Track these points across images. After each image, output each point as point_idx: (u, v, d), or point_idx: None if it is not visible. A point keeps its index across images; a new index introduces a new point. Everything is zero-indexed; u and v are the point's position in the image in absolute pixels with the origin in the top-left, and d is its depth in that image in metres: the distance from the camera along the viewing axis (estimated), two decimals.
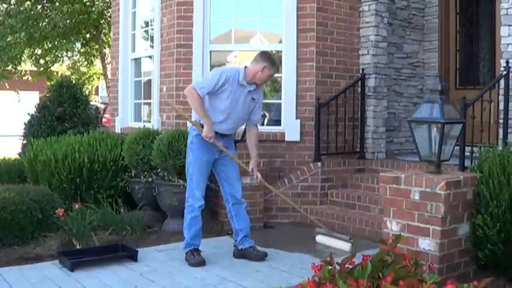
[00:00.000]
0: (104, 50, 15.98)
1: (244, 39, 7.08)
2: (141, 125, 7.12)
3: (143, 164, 5.90)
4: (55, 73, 17.18)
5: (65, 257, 4.45)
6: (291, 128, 6.49)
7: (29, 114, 7.66)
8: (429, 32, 7.49)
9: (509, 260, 3.85)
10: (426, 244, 3.82)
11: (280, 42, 6.69)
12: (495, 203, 3.81)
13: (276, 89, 7.12)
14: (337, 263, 3.06)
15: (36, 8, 13.88)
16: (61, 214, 4.98)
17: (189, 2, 6.65)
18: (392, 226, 4.02)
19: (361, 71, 6.77)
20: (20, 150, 7.74)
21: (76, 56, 17.95)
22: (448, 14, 7.35)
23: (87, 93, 11.93)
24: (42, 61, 15.93)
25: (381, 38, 6.77)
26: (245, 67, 4.66)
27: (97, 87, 23.96)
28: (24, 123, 7.64)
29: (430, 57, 7.50)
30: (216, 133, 4.54)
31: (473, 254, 4.00)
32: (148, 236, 5.41)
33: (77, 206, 5.20)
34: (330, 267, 3.02)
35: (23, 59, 15.49)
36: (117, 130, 7.89)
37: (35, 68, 17.13)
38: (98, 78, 20.08)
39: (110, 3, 9.71)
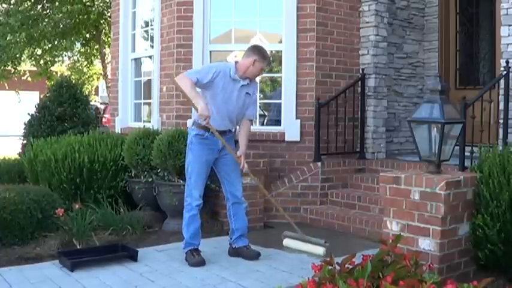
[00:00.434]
0: (104, 50, 15.98)
1: (244, 39, 7.07)
2: (141, 125, 7.12)
3: (143, 164, 5.90)
4: (55, 73, 17.17)
5: (65, 257, 4.45)
6: (291, 128, 6.49)
7: (29, 114, 7.66)
8: (429, 32, 7.49)
9: (509, 260, 3.84)
10: (426, 244, 3.82)
11: (280, 42, 6.69)
12: (495, 203, 3.81)
13: (276, 89, 7.12)
14: (337, 263, 3.06)
15: (36, 7, 13.88)
16: (61, 214, 4.97)
17: (189, 2, 6.65)
18: (392, 226, 4.03)
19: (361, 71, 6.77)
20: (20, 150, 7.74)
21: (76, 56, 17.96)
22: (448, 14, 7.35)
23: (87, 93, 11.91)
24: (42, 61, 15.93)
25: (380, 38, 6.77)
26: (236, 62, 4.65)
27: (97, 87, 23.96)
28: (24, 123, 7.64)
29: (430, 57, 7.51)
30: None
31: (473, 254, 4.00)
32: (148, 236, 5.41)
33: (77, 206, 5.19)
34: (330, 267, 3.02)
35: (22, 59, 15.49)
36: (117, 130, 7.89)
37: (34, 68, 17.14)
38: (98, 78, 20.08)
39: (110, 3, 9.71)
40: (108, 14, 12.91)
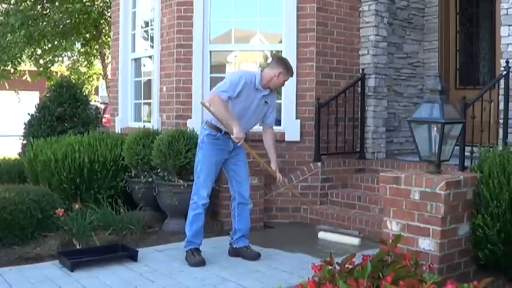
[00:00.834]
0: (104, 50, 15.97)
1: (244, 39, 7.08)
2: (141, 125, 7.12)
3: (143, 164, 5.90)
4: (55, 73, 17.17)
5: (65, 257, 4.45)
6: (291, 128, 6.48)
7: (29, 114, 7.66)
8: (429, 32, 7.49)
9: (509, 260, 3.84)
10: (426, 244, 3.82)
11: (280, 42, 6.69)
12: (495, 203, 3.81)
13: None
14: (337, 263, 3.06)
15: (36, 7, 13.88)
16: (61, 214, 4.97)
17: (189, 2, 6.65)
18: (392, 226, 4.02)
19: (361, 71, 6.77)
20: (20, 150, 7.74)
21: (76, 55, 17.95)
22: (448, 14, 7.35)
23: (86, 93, 11.92)
24: (42, 61, 15.93)
25: (380, 38, 6.77)
26: (261, 71, 4.69)
27: (97, 87, 23.95)
28: (24, 123, 7.65)
29: (430, 57, 7.51)
30: (226, 134, 4.56)
31: (473, 254, 4.00)
32: (148, 236, 5.41)
33: (77, 206, 5.19)
34: (330, 267, 3.02)
35: (22, 58, 15.48)
36: (117, 130, 7.89)
37: (34, 68, 17.13)
38: (98, 78, 20.07)
39: (110, 3, 9.71)
40: (108, 14, 12.90)
